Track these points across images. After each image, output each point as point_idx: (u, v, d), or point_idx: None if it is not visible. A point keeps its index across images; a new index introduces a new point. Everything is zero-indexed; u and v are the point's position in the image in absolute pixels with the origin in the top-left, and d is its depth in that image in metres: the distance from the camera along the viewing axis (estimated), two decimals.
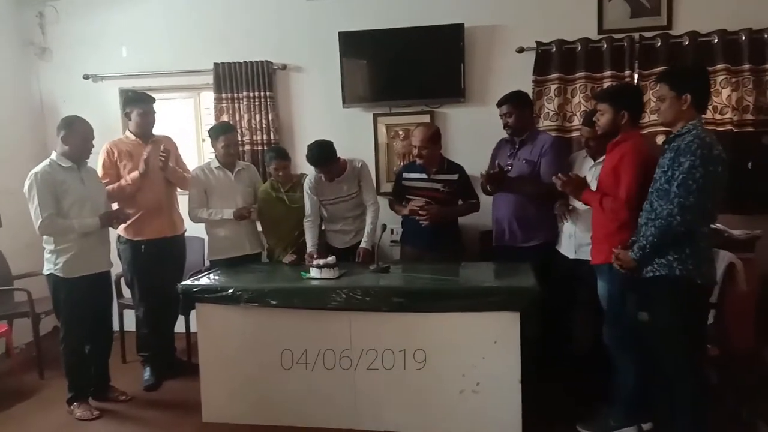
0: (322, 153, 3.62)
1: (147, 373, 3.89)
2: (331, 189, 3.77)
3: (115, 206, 3.65)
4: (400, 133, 4.44)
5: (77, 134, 3.36)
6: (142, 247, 3.75)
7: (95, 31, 4.75)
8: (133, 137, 3.77)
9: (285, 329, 3.21)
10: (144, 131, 3.77)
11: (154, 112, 3.79)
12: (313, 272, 3.29)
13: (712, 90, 3.82)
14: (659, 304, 2.60)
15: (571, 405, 3.24)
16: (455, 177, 3.64)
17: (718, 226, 3.54)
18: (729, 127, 3.86)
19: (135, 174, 3.63)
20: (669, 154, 2.49)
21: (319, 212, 3.78)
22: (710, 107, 3.87)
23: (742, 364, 3.43)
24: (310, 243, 3.70)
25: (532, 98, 3.89)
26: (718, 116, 3.89)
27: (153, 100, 3.79)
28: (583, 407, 3.16)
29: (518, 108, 3.52)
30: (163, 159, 3.63)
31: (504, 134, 3.69)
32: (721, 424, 2.90)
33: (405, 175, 3.79)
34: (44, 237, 3.35)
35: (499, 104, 3.56)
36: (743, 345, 3.52)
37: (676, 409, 2.60)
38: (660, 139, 3.72)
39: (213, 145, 3.87)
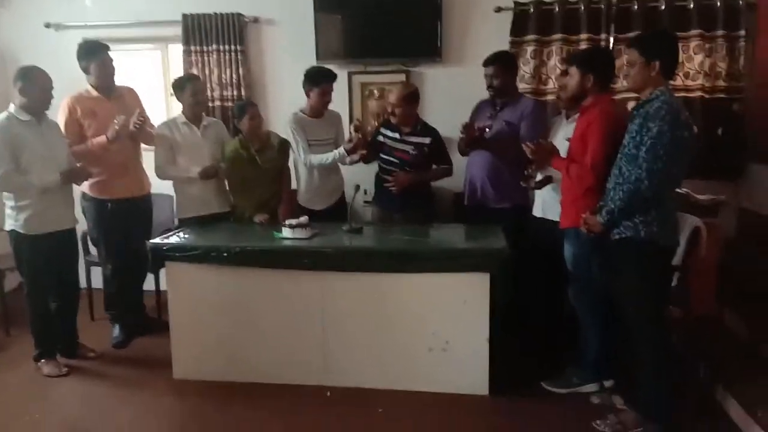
0: (326, 69, 3.74)
1: (116, 331, 3.87)
2: (312, 130, 3.73)
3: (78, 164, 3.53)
4: (375, 92, 4.38)
5: (35, 85, 3.22)
6: (108, 205, 3.67)
7: None
8: (95, 92, 3.62)
9: (256, 288, 3.21)
10: (105, 83, 3.63)
11: (112, 60, 3.64)
12: (286, 232, 3.28)
13: (685, 55, 3.88)
14: (624, 266, 2.66)
15: (538, 363, 3.32)
16: (427, 141, 3.61)
17: (683, 190, 3.61)
18: (699, 93, 3.91)
19: (102, 139, 3.50)
20: (638, 120, 2.53)
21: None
22: (681, 73, 3.91)
23: (704, 326, 3.55)
24: (332, 155, 3.66)
25: None
26: (689, 82, 3.93)
27: (107, 47, 3.63)
28: (550, 365, 3.24)
29: (505, 70, 3.48)
30: (138, 125, 3.51)
31: (481, 96, 3.66)
32: (679, 384, 3.02)
33: (382, 130, 3.75)
34: (4, 193, 3.25)
35: (486, 64, 3.50)
36: (705, 308, 3.64)
37: (639, 368, 2.69)
38: (632, 106, 3.75)
39: (179, 98, 3.74)
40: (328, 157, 3.65)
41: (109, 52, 3.63)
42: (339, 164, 3.82)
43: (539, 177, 3.22)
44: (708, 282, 3.65)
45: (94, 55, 3.57)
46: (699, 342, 3.41)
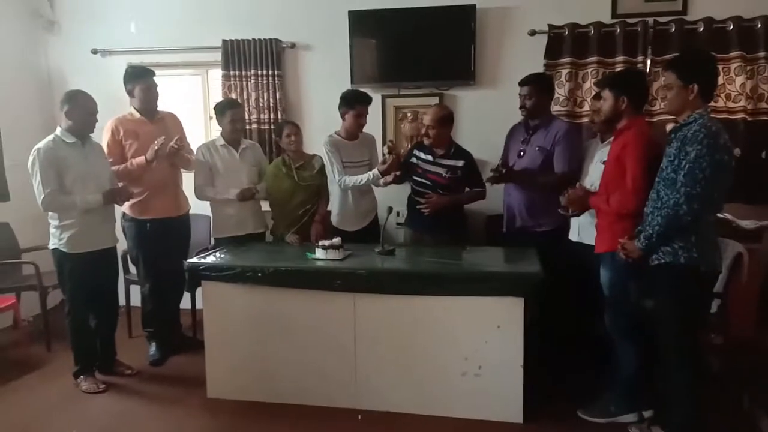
0: (362, 92, 3.79)
1: (152, 349, 3.93)
2: (347, 152, 3.78)
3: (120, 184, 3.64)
4: (409, 115, 4.41)
5: (80, 108, 3.35)
6: (148, 225, 3.76)
7: (104, 5, 4.72)
8: (137, 115, 3.74)
9: (290, 308, 3.23)
10: (149, 107, 3.74)
11: (156, 85, 3.76)
12: (319, 253, 3.30)
13: (726, 77, 3.82)
14: (662, 292, 2.60)
15: (573, 391, 3.25)
16: (460, 164, 3.60)
17: (726, 215, 3.52)
18: (742, 116, 3.82)
19: (141, 160, 3.60)
20: (675, 144, 2.48)
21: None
22: (723, 95, 3.84)
23: (745, 353, 3.44)
24: (366, 177, 3.67)
25: None
26: (731, 104, 3.85)
27: (153, 73, 3.75)
28: (585, 393, 3.17)
29: (540, 92, 3.47)
30: (174, 149, 3.58)
31: (514, 119, 3.66)
32: (721, 412, 2.92)
33: (416, 152, 3.77)
34: (49, 212, 3.37)
35: (522, 83, 3.51)
36: (745, 333, 3.52)
37: (674, 396, 2.62)
38: (670, 128, 3.69)
39: (219, 122, 3.86)
40: (362, 178, 3.68)
41: (154, 77, 3.74)
42: (373, 186, 3.85)
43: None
44: (750, 308, 3.54)
45: (139, 79, 3.69)
46: (742, 370, 3.30)
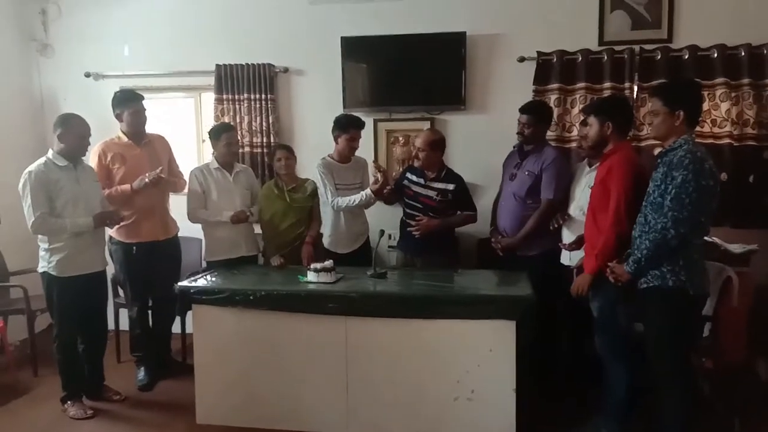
0: (355, 116, 3.84)
1: (141, 374, 3.88)
2: (339, 174, 3.81)
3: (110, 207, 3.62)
4: (400, 138, 4.45)
5: (73, 132, 3.35)
6: (134, 249, 3.73)
7: (97, 28, 4.75)
8: (125, 138, 3.73)
9: (281, 332, 3.21)
10: (137, 130, 3.74)
11: (145, 110, 3.76)
12: (310, 276, 3.30)
13: (711, 103, 3.88)
14: (652, 315, 2.63)
15: (566, 414, 3.24)
16: (451, 187, 3.64)
17: (715, 239, 3.56)
18: (728, 141, 3.88)
19: (126, 188, 3.61)
20: (662, 169, 2.53)
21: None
22: (709, 120, 3.90)
23: (735, 377, 3.44)
24: (359, 197, 3.69)
25: None
26: (717, 129, 3.91)
27: (142, 97, 3.76)
28: (577, 416, 3.16)
29: (539, 121, 3.52)
30: (156, 179, 3.56)
31: (504, 143, 3.72)
32: None
33: (408, 175, 3.80)
34: (38, 235, 3.35)
35: (522, 111, 3.55)
36: (736, 357, 3.53)
37: (665, 419, 2.62)
38: (657, 152, 3.74)
39: (214, 145, 3.88)
40: (355, 199, 3.70)
41: (143, 102, 3.75)
42: (364, 209, 3.87)
43: (573, 237, 3.21)
44: (740, 332, 3.55)
45: (128, 103, 3.70)
46: (732, 394, 3.30)
